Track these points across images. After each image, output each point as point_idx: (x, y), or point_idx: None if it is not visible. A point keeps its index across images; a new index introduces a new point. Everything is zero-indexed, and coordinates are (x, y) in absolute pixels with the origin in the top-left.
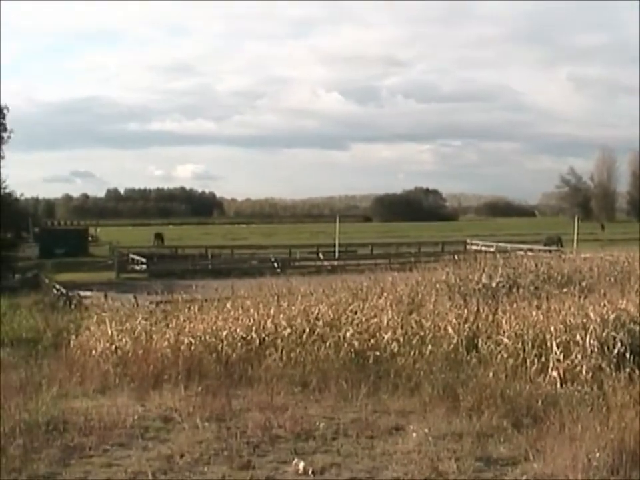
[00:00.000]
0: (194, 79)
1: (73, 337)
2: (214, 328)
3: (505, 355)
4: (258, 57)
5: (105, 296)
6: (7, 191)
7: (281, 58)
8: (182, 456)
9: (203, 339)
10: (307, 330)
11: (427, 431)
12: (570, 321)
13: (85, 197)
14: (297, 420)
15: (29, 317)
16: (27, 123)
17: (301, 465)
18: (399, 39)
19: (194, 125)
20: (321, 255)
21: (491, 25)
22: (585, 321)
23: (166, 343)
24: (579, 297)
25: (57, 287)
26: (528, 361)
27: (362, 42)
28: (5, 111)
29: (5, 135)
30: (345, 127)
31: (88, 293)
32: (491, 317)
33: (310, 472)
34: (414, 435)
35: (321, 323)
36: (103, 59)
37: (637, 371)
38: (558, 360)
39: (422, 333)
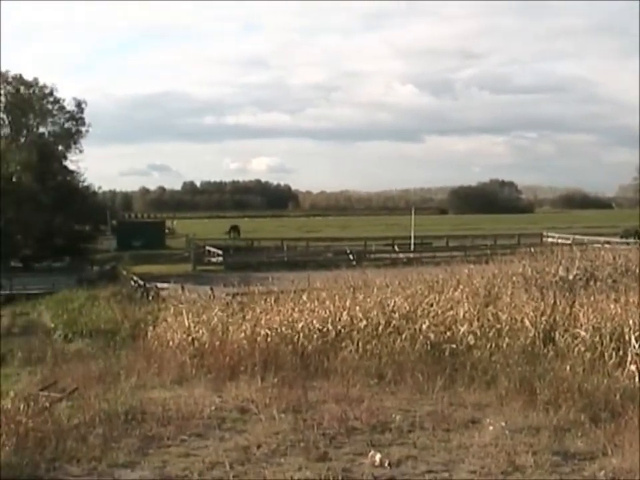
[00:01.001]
0: (268, 73)
1: (151, 328)
2: (290, 320)
3: (583, 349)
4: (332, 50)
5: (182, 288)
6: (85, 184)
7: (356, 51)
8: (259, 447)
9: (279, 330)
10: (383, 322)
11: (503, 424)
12: None
13: (162, 189)
14: (372, 412)
15: (107, 309)
16: (105, 118)
17: (377, 457)
18: (474, 31)
19: (269, 118)
20: (396, 248)
21: (566, 16)
22: None
23: (242, 334)
24: None
25: (135, 278)
26: (606, 354)
27: (437, 34)
28: (82, 106)
29: (83, 129)
30: (420, 120)
31: (165, 285)
32: (568, 310)
33: (386, 464)
34: (490, 428)
35: (396, 315)
36: (179, 54)
37: None
38: (637, 354)
39: (498, 326)
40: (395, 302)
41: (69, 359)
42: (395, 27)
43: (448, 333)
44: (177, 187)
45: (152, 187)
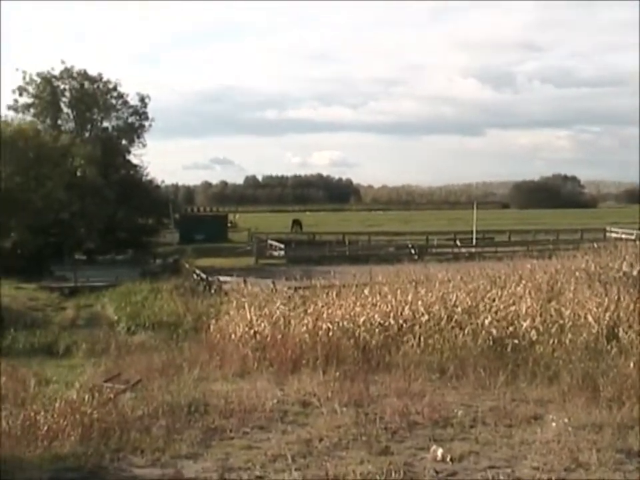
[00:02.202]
0: (330, 67)
1: (213, 321)
2: (352, 314)
3: None
4: (394, 43)
5: (244, 281)
6: (148, 178)
7: (418, 44)
8: (321, 440)
9: (340, 324)
10: (445, 317)
11: (566, 420)
12: None
13: (224, 183)
14: (434, 407)
15: (169, 301)
16: (168, 112)
17: (439, 451)
18: (536, 23)
19: (331, 112)
20: (458, 242)
21: (631, 8)
22: None
23: (304, 328)
24: None
25: (197, 272)
26: None
27: (499, 27)
28: (146, 101)
29: (146, 123)
30: (481, 114)
31: (227, 278)
32: (632, 306)
33: (448, 459)
34: (553, 424)
35: (458, 309)
36: (241, 48)
37: None
38: None
39: (561, 322)
40: (457, 296)
41: (132, 351)
42: (457, 20)
43: (510, 328)
44: (239, 180)
45: (214, 180)
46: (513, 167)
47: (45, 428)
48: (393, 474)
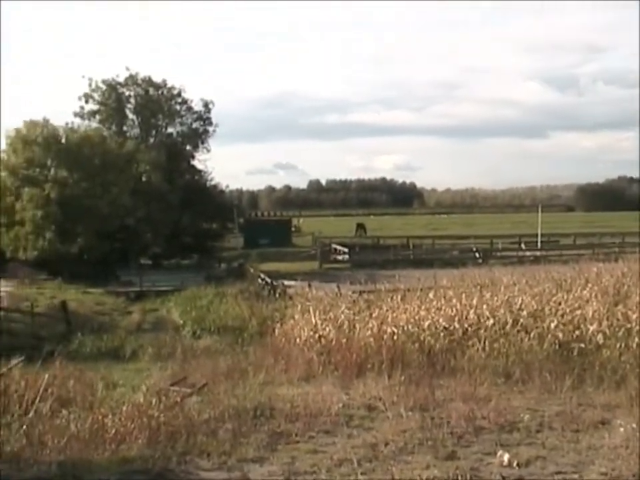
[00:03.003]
0: (391, 70)
1: (278, 325)
2: (416, 318)
3: None
4: (455, 47)
5: (309, 285)
6: (212, 183)
7: (479, 47)
8: (386, 444)
9: (405, 328)
10: (510, 321)
11: (634, 425)
12: None
13: (288, 188)
14: (500, 411)
15: (234, 306)
16: (231, 117)
17: (506, 456)
18: (599, 24)
19: (393, 116)
20: (523, 245)
21: None
22: None
23: (369, 332)
24: None
25: (262, 276)
26: None
27: (561, 29)
28: (210, 106)
29: (210, 129)
30: (544, 116)
31: (292, 283)
32: None
33: (515, 464)
34: (621, 429)
35: (524, 313)
36: (302, 52)
37: None
38: None
39: (628, 325)
40: (522, 300)
41: (198, 355)
42: (519, 23)
43: (576, 332)
44: (303, 185)
45: (278, 185)
46: (577, 170)
47: (113, 431)
48: (460, 479)
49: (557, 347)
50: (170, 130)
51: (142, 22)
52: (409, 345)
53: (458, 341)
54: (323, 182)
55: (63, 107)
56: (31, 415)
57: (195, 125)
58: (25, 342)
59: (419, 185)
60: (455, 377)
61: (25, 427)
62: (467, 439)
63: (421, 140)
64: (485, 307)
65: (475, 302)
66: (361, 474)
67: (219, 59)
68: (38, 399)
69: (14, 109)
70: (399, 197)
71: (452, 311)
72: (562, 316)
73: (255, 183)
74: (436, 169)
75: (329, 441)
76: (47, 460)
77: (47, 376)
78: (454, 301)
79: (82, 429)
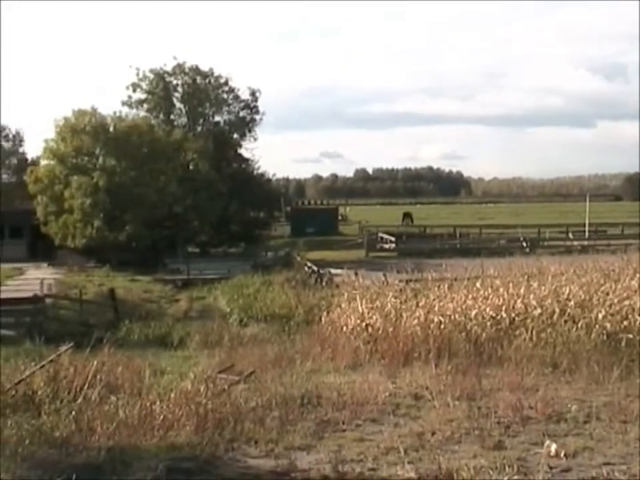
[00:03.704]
0: (438, 60)
1: (324, 313)
2: (463, 307)
3: None
4: (502, 35)
5: (356, 274)
6: (259, 171)
7: (526, 36)
8: (433, 434)
9: (452, 317)
10: (558, 310)
11: None
12: None
13: (334, 176)
14: (547, 401)
15: (281, 294)
16: (278, 106)
17: (553, 447)
18: None
19: (439, 105)
20: (570, 235)
21: None
22: None
23: (416, 321)
24: None
25: (309, 264)
26: None
27: (608, 17)
28: (257, 95)
29: (257, 117)
30: (592, 105)
31: (338, 271)
32: None
33: (562, 455)
34: None
35: (571, 303)
36: (347, 43)
37: None
38: None
39: None
40: (569, 290)
41: (245, 342)
42: (566, 11)
43: (624, 323)
44: (349, 174)
45: (324, 174)
46: (625, 159)
47: (161, 417)
48: (507, 469)
49: (605, 337)
50: (217, 118)
51: (188, 11)
52: (455, 334)
53: (505, 330)
54: (370, 171)
55: (111, 96)
56: (79, 401)
57: (242, 114)
58: (74, 329)
59: (466, 174)
60: (501, 367)
61: (74, 412)
62: (514, 428)
63: (468, 129)
64: (532, 296)
65: (522, 291)
66: (408, 463)
67: (266, 48)
68: (87, 385)
69: (63, 97)
70: (446, 186)
71: (499, 300)
72: (610, 306)
73: (301, 172)
74: (483, 158)
75: (376, 430)
76: (95, 446)
77: (95, 362)
78: (501, 290)
79: (130, 415)
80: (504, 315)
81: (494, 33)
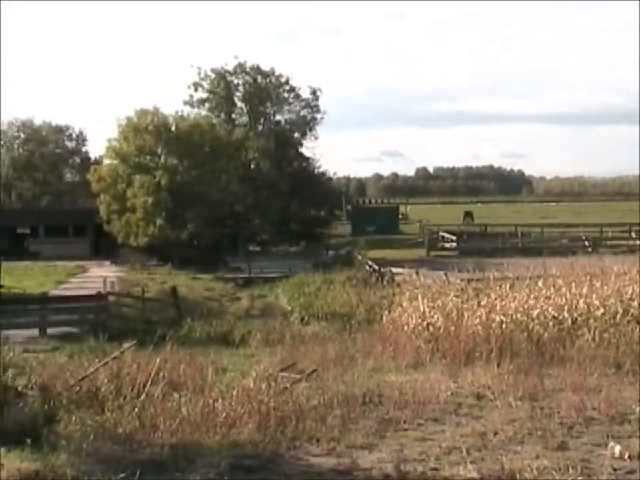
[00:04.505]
0: (498, 58)
1: (385, 312)
2: (525, 307)
3: None
4: (561, 32)
5: (417, 273)
6: (320, 170)
7: (588, 34)
8: (495, 434)
9: (514, 317)
10: (621, 310)
11: None
12: None
13: (395, 175)
14: (611, 402)
15: (342, 292)
16: (339, 105)
17: (617, 448)
18: None
19: (500, 104)
20: (633, 234)
21: None
22: None
23: (477, 320)
24: None
25: (369, 263)
26: None
27: None
28: (318, 93)
29: (318, 116)
30: None
31: (399, 270)
32: None
33: (626, 456)
34: None
35: (635, 303)
36: (408, 42)
37: None
38: None
39: None
40: (633, 290)
41: (306, 341)
42: (628, 7)
43: None
44: (410, 172)
45: (385, 172)
46: None
47: (223, 415)
48: (570, 470)
49: None
50: (278, 117)
51: (249, 11)
52: (517, 334)
53: (567, 330)
54: (431, 169)
55: (173, 95)
56: (142, 397)
57: (303, 113)
58: (137, 326)
59: (527, 172)
60: (564, 367)
61: (137, 409)
62: (577, 429)
63: (529, 127)
64: (594, 296)
65: (584, 291)
66: (470, 462)
67: (326, 47)
68: (150, 382)
69: (125, 97)
70: (507, 184)
71: (561, 300)
72: None
73: (362, 171)
74: (544, 156)
75: (438, 429)
76: (159, 442)
77: (158, 360)
78: (563, 289)
79: (193, 412)
80: (566, 315)
81: (556, 30)
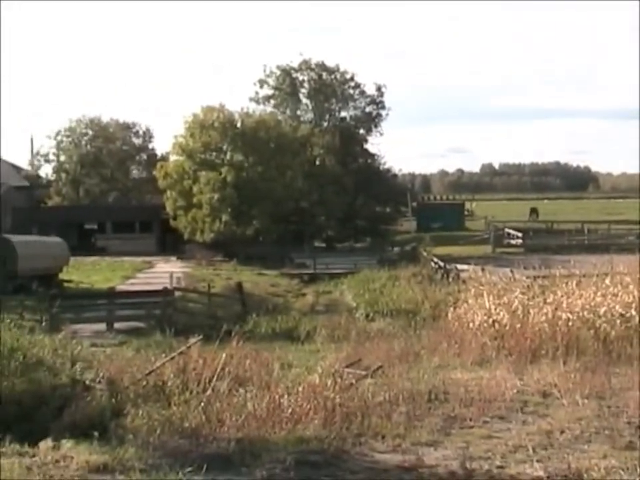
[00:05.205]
0: (563, 54)
1: (451, 309)
2: (592, 304)
3: None
4: (628, 26)
5: (482, 269)
6: (385, 166)
7: None
8: (562, 432)
9: (580, 314)
10: None
11: None
12: None
13: (460, 171)
14: None
15: (407, 289)
16: (404, 101)
17: None
18: None
19: (566, 99)
20: None
21: None
22: None
23: (543, 317)
24: None
25: (435, 260)
26: None
27: None
28: (382, 90)
29: (383, 112)
30: None
31: (465, 267)
32: None
33: None
34: None
35: None
36: (472, 39)
37: None
38: None
39: None
40: None
41: (372, 337)
42: None
43: None
44: (475, 169)
45: (450, 169)
46: None
47: (289, 411)
48: (638, 469)
49: None
50: (343, 114)
51: (313, 8)
52: (584, 332)
53: (635, 328)
54: (496, 166)
55: (238, 92)
56: (208, 392)
57: (368, 109)
58: (202, 321)
59: (593, 168)
60: (631, 366)
61: (203, 404)
62: None
63: (596, 123)
64: None
65: None
66: (536, 461)
67: (390, 44)
68: (215, 377)
69: (192, 94)
70: (573, 180)
71: (629, 297)
72: None
73: (427, 167)
74: (611, 152)
75: (503, 427)
76: (225, 437)
77: (224, 355)
78: (631, 287)
79: (259, 407)
80: (634, 313)
81: (626, 25)
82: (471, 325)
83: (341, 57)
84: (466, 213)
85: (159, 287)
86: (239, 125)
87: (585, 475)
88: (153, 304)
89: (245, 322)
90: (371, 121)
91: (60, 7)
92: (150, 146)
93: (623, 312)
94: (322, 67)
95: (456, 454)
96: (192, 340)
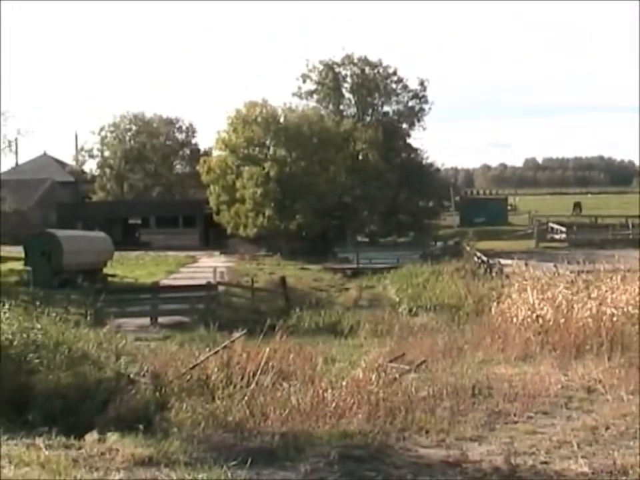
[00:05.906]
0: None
1: (494, 304)
2: (637, 299)
3: None
4: None
5: (526, 264)
6: (428, 161)
7: None
8: (607, 428)
9: (625, 310)
10: None
11: None
12: None
13: (503, 166)
14: None
15: (450, 284)
16: (447, 96)
17: None
18: None
19: (608, 93)
20: None
21: None
22: None
23: (587, 312)
24: None
25: (478, 254)
26: None
27: None
28: (425, 84)
29: (426, 107)
30: None
31: (508, 261)
32: None
33: None
34: None
35: None
36: (511, 37)
37: None
38: None
39: None
40: None
41: (415, 332)
42: None
43: None
44: (518, 163)
45: (493, 163)
46: None
47: (333, 405)
48: None
49: None
50: (386, 108)
51: (357, 3)
52: (628, 327)
53: None
54: (540, 160)
55: (281, 87)
56: (252, 386)
57: (410, 103)
58: (246, 316)
59: (638, 163)
60: None
61: (246, 398)
62: None
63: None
64: None
65: None
66: (581, 457)
67: (433, 39)
68: (259, 371)
69: (234, 89)
70: (617, 175)
71: None
72: None
73: (470, 161)
74: None
75: (548, 422)
76: (269, 431)
77: (267, 349)
78: None
79: (303, 401)
80: None
81: None
82: (514, 319)
83: (383, 50)
84: (509, 207)
85: (203, 282)
86: (282, 120)
87: (631, 472)
88: (196, 298)
89: (288, 316)
90: (413, 115)
91: (103, 8)
92: (193, 141)
93: None
94: (365, 61)
95: (500, 449)
96: (236, 334)
